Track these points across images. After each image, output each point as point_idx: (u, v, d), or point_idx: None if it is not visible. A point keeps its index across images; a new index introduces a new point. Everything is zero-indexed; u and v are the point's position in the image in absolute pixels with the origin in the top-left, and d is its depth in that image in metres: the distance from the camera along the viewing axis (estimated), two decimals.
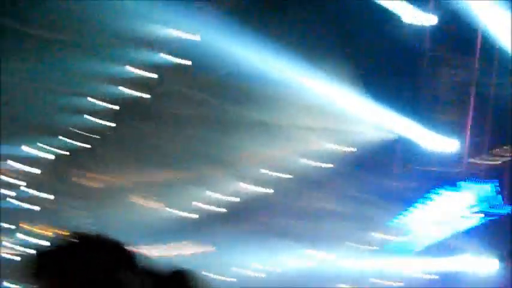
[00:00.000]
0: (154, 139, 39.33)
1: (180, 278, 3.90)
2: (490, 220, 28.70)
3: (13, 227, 36.80)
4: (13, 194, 35.92)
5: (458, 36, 29.87)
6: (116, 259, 2.82)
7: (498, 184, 28.44)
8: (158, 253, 38.05)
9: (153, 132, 39.14)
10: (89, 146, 38.64)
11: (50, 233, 37.39)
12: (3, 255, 35.06)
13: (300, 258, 37.12)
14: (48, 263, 3.08)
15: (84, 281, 2.04)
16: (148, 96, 35.79)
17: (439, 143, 29.12)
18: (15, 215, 36.74)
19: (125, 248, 2.97)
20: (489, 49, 29.40)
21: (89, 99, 34.67)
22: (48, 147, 35.90)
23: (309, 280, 35.37)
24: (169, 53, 33.95)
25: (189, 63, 34.65)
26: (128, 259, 2.82)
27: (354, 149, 26.94)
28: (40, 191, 37.17)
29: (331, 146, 36.12)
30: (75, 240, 3.13)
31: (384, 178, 33.99)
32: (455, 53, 30.47)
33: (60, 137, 35.86)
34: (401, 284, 33.08)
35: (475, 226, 29.22)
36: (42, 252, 3.29)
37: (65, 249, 3.06)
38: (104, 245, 2.86)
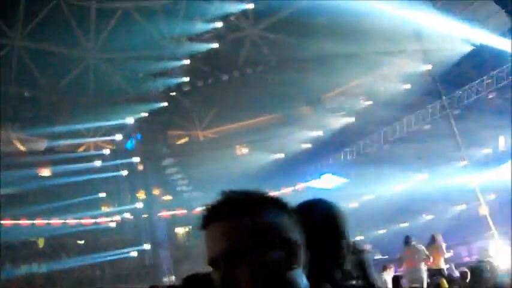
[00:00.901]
0: (239, 88, 40.02)
1: None
2: None
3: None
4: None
5: None
6: None
7: None
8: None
9: (236, 81, 39.84)
10: (176, 105, 40.17)
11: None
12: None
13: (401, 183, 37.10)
14: None
15: None
16: (218, 46, 35.99)
17: None
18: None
19: None
20: None
21: (167, 59, 35.39)
22: (140, 113, 36.98)
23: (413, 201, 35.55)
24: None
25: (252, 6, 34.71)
26: None
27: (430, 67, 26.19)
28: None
29: (415, 68, 35.83)
30: None
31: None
32: None
33: (150, 101, 36.87)
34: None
35: None
36: None
37: None
38: None
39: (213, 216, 1.89)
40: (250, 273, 1.82)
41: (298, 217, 1.94)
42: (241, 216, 1.85)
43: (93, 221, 37.58)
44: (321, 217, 2.98)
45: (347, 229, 3.07)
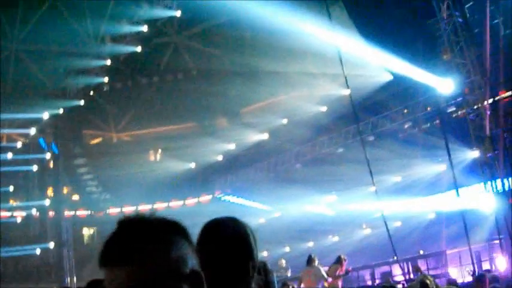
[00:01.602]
0: (158, 94, 39.89)
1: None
2: None
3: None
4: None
5: None
6: None
7: None
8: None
9: (155, 86, 39.71)
10: (94, 104, 39.60)
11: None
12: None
13: (309, 203, 37.58)
14: None
15: None
16: (141, 49, 35.71)
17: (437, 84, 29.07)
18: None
19: None
20: None
21: (89, 58, 34.82)
22: (56, 109, 36.19)
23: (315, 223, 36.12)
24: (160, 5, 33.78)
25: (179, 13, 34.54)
26: None
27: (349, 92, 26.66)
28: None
29: (333, 90, 36.50)
30: None
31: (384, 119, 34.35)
32: None
33: (67, 97, 36.16)
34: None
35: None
36: None
37: None
38: None
39: (112, 255, 1.77)
40: None
41: (207, 236, 1.91)
42: (143, 254, 1.75)
43: None
44: (229, 236, 2.96)
45: (256, 249, 3.04)
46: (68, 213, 38.39)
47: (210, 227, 2.96)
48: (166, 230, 1.82)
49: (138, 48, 35.55)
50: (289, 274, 24.94)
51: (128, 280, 1.73)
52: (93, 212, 40.66)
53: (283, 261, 28.41)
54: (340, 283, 18.61)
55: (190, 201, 41.42)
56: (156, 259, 1.75)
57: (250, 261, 2.98)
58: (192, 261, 1.83)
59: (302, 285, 18.33)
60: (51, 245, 35.68)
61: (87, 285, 5.51)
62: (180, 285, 1.77)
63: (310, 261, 18.03)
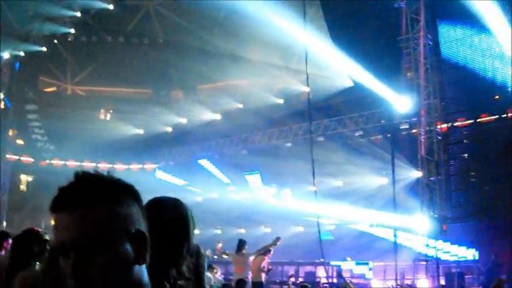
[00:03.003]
0: (118, 53, 39.48)
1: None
2: None
3: None
4: None
5: None
6: None
7: None
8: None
9: (119, 46, 39.34)
10: (55, 53, 39.13)
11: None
12: None
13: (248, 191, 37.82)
14: None
15: None
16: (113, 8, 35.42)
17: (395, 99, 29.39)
18: None
19: None
20: None
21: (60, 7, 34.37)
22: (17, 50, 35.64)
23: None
24: None
25: None
26: None
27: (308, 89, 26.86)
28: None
29: (293, 85, 36.77)
30: None
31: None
32: None
33: (30, 42, 35.65)
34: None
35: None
36: None
37: None
38: None
39: (64, 201, 1.80)
40: (100, 265, 1.76)
41: (148, 215, 1.95)
42: (94, 204, 1.78)
43: None
44: (168, 216, 3.08)
45: (192, 231, 3.19)
46: (9, 156, 37.95)
47: (153, 206, 3.02)
48: (120, 189, 1.85)
49: (110, 6, 35.26)
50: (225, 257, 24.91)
51: (73, 227, 1.76)
52: (36, 160, 40.22)
53: (220, 245, 28.72)
54: (263, 275, 18.66)
55: (135, 166, 41.29)
56: (104, 211, 1.78)
57: (185, 243, 3.13)
58: (140, 224, 1.87)
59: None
60: None
61: (23, 233, 5.72)
62: (123, 242, 1.80)
63: (240, 248, 17.97)
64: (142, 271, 1.88)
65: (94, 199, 1.79)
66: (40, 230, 5.85)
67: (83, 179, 1.83)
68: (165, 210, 3.12)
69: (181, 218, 3.13)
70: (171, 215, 3.11)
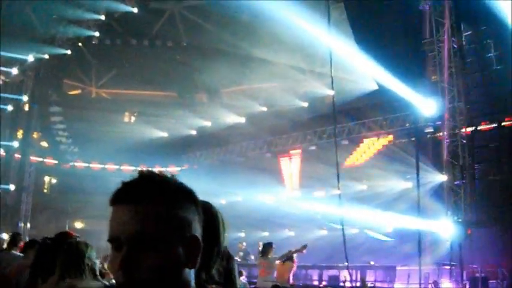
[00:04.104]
0: (143, 56, 39.64)
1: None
2: None
3: None
4: None
5: None
6: None
7: None
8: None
9: (143, 49, 39.50)
10: (79, 56, 39.32)
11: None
12: None
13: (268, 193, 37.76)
14: None
15: None
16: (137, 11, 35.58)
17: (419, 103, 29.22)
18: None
19: None
20: None
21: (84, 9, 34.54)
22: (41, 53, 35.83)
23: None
24: None
25: None
26: None
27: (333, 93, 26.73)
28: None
29: (317, 88, 36.70)
30: None
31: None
32: None
33: (55, 45, 35.84)
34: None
35: None
36: None
37: None
38: None
39: (127, 194, 1.85)
40: (152, 262, 1.79)
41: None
42: (155, 202, 1.83)
43: None
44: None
45: (223, 235, 3.17)
46: (33, 158, 38.30)
47: None
48: (182, 193, 1.91)
49: (135, 9, 35.41)
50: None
51: (131, 221, 1.80)
52: (59, 162, 40.52)
53: (244, 245, 28.69)
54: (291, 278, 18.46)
55: (158, 169, 41.22)
56: (164, 210, 1.82)
57: (216, 247, 3.10)
58: (196, 230, 1.91)
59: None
60: (12, 187, 35.38)
61: (56, 237, 5.51)
62: (176, 244, 1.84)
63: (266, 251, 17.45)
64: (191, 275, 1.93)
65: (156, 197, 1.84)
66: (74, 234, 5.60)
67: (148, 177, 1.89)
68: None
69: (211, 221, 3.10)
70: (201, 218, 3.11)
